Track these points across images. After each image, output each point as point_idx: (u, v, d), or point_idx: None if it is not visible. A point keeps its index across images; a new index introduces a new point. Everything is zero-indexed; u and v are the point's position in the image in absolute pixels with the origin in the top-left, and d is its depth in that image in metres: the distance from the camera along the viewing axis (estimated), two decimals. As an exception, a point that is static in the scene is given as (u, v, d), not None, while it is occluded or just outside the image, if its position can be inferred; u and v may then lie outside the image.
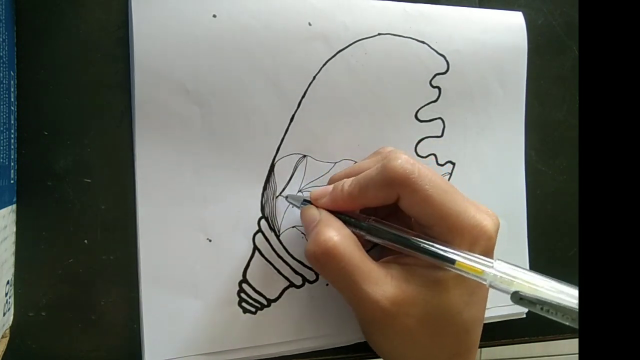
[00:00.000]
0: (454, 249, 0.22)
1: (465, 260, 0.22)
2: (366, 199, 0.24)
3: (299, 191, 0.27)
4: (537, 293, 0.20)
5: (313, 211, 0.25)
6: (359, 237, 0.24)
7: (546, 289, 0.20)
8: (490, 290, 0.30)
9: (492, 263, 0.22)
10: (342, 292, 0.24)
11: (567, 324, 0.20)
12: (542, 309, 0.20)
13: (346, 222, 0.24)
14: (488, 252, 0.23)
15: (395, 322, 0.23)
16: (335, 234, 0.23)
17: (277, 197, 0.26)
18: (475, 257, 0.22)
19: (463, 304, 0.24)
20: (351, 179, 0.24)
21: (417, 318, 0.23)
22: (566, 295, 0.20)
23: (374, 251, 0.26)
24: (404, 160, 0.22)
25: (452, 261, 0.22)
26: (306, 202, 0.25)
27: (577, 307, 0.19)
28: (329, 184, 0.27)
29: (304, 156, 0.27)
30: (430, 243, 0.23)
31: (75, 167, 0.24)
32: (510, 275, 0.21)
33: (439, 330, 0.24)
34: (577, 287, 0.20)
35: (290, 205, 0.27)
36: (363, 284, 0.22)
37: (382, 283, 0.23)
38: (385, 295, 0.22)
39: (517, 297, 0.21)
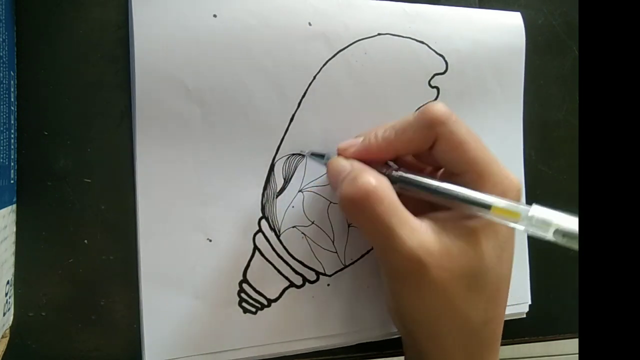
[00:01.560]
0: (488, 195, 0.22)
1: (501, 204, 0.21)
2: (403, 143, 0.23)
3: (299, 191, 0.27)
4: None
5: (342, 162, 0.24)
6: None
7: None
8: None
9: (528, 208, 0.21)
10: (376, 239, 0.23)
11: None
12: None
13: None
14: None
15: (430, 276, 0.22)
16: (374, 179, 0.22)
17: (277, 198, 0.26)
18: (510, 201, 0.22)
19: (496, 259, 0.23)
20: (383, 127, 0.24)
21: (451, 272, 0.22)
22: None
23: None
24: (442, 105, 0.23)
25: (488, 206, 0.22)
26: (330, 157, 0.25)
27: None
28: (337, 153, 0.26)
29: (304, 156, 0.27)
30: (463, 190, 0.22)
31: (75, 167, 0.24)
32: (546, 219, 0.21)
33: (474, 287, 0.23)
34: None
35: (291, 206, 0.27)
36: (400, 230, 0.21)
37: (419, 232, 0.22)
38: (422, 243, 0.22)
39: (561, 235, 0.20)
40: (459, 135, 0.23)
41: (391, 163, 0.25)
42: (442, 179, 0.24)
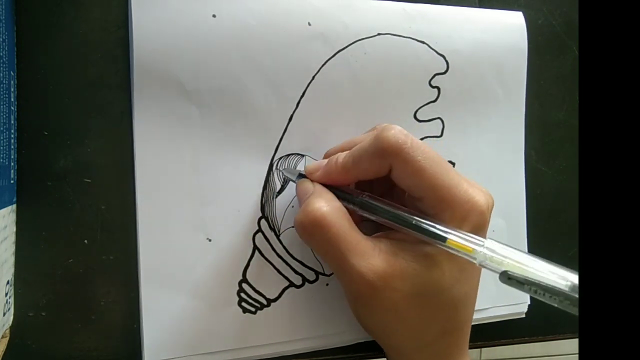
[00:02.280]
0: (445, 226, 0.22)
1: (456, 238, 0.21)
2: (359, 170, 0.24)
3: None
4: (526, 273, 0.20)
5: (307, 184, 0.25)
6: (352, 213, 0.24)
7: (537, 270, 0.20)
8: (491, 291, 0.30)
9: (483, 242, 0.21)
10: (329, 264, 0.24)
11: (556, 305, 0.19)
12: (530, 289, 0.20)
13: (339, 197, 0.24)
14: (480, 228, 0.23)
15: (381, 296, 0.22)
16: (325, 205, 0.23)
17: (276, 198, 0.26)
18: (467, 235, 0.22)
19: (453, 280, 0.23)
20: (345, 152, 0.24)
21: (404, 293, 0.22)
22: (557, 276, 0.19)
23: (366, 228, 0.26)
24: (397, 131, 0.22)
25: (443, 239, 0.21)
26: (302, 176, 0.25)
27: (566, 288, 0.19)
28: (324, 158, 0.27)
29: (303, 155, 0.27)
30: (421, 219, 0.22)
31: (75, 167, 0.24)
32: (500, 255, 0.21)
33: (427, 306, 0.23)
34: (569, 269, 0.20)
35: (291, 205, 0.27)
36: (350, 255, 0.22)
37: (369, 256, 0.22)
38: (372, 268, 0.22)
39: (506, 277, 0.20)
40: (414, 163, 0.22)
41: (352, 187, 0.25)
42: (407, 200, 0.24)
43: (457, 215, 0.22)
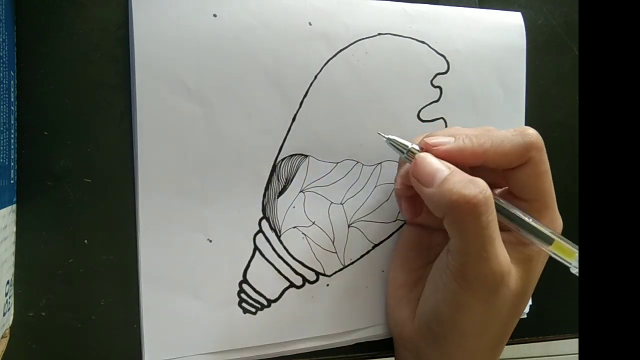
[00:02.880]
0: (551, 231, 0.23)
1: (561, 242, 0.23)
2: (496, 155, 0.23)
3: (300, 191, 0.27)
4: None
5: (436, 161, 0.23)
6: None
7: None
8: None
9: (576, 250, 0.23)
10: (473, 246, 0.22)
11: None
12: None
13: None
14: None
15: (500, 290, 0.23)
16: (487, 186, 0.22)
17: (278, 199, 0.26)
18: (568, 241, 0.23)
19: (535, 282, 0.25)
20: (474, 132, 0.24)
21: (511, 292, 0.24)
22: None
23: None
24: (537, 132, 0.24)
25: (550, 240, 0.23)
26: (413, 151, 0.24)
27: None
28: (426, 138, 0.24)
29: (306, 156, 0.27)
30: (535, 221, 0.23)
31: (75, 167, 0.24)
32: None
33: (516, 305, 0.25)
34: None
35: (292, 206, 0.27)
36: (497, 242, 0.22)
37: (503, 249, 0.23)
38: (507, 260, 0.23)
39: None
40: (546, 165, 0.24)
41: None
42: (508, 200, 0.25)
43: (554, 226, 0.24)
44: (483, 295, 0.23)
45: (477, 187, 0.22)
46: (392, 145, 0.25)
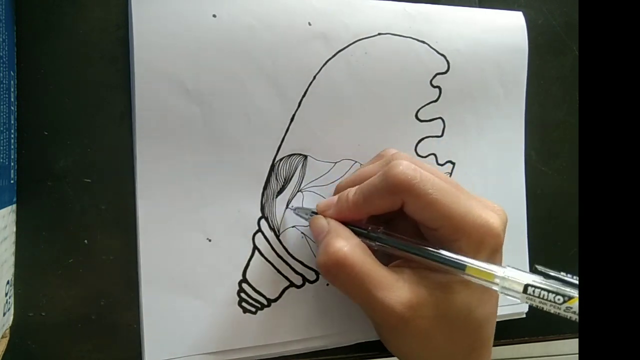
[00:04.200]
0: (463, 255, 0.22)
1: (475, 265, 0.22)
2: (371, 207, 0.24)
3: (299, 191, 0.27)
4: (547, 287, 0.21)
5: (321, 221, 0.25)
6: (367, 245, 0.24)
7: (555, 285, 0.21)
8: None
9: (501, 271, 0.22)
10: (355, 300, 0.23)
11: (569, 316, 0.20)
12: (555, 297, 0.20)
13: (355, 232, 0.24)
14: (496, 250, 0.23)
15: (410, 325, 0.23)
16: (345, 244, 0.23)
17: (276, 198, 0.27)
18: (481, 264, 0.22)
19: (476, 302, 0.24)
20: (355, 187, 0.24)
21: (430, 319, 0.23)
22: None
23: (382, 254, 0.26)
24: (405, 167, 0.22)
25: (463, 267, 0.22)
26: (314, 213, 0.26)
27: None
28: (334, 193, 0.27)
29: (305, 156, 0.27)
30: (439, 252, 0.23)
31: (75, 167, 0.24)
32: (518, 281, 0.21)
33: (453, 329, 0.24)
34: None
35: (292, 206, 0.27)
36: (376, 291, 0.22)
37: (395, 288, 0.23)
38: (399, 300, 0.22)
39: (528, 291, 0.21)
40: (426, 197, 0.22)
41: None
42: (422, 230, 0.24)
43: (474, 241, 0.23)
44: (393, 333, 0.24)
45: (329, 251, 0.23)
46: (298, 213, 0.27)
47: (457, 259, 0.22)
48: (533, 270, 0.22)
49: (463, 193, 0.24)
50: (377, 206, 0.24)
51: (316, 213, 0.25)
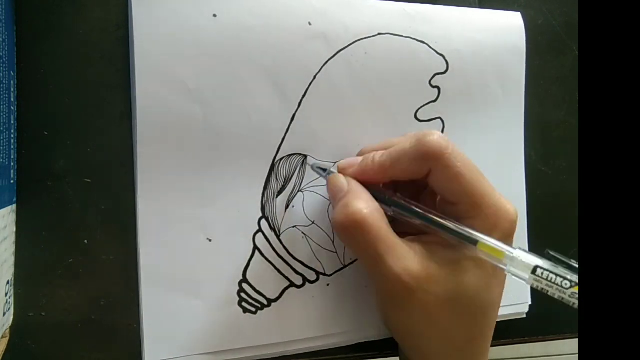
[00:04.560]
0: (477, 231, 0.23)
1: (487, 242, 0.22)
2: (397, 170, 0.24)
3: (299, 191, 0.27)
4: (555, 270, 0.21)
5: (341, 180, 0.25)
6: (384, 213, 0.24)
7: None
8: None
9: (512, 251, 0.22)
10: (365, 264, 0.24)
11: (572, 302, 0.20)
12: (562, 282, 0.21)
13: (374, 197, 0.24)
14: (509, 237, 0.24)
15: (414, 298, 0.23)
16: (365, 207, 0.23)
17: (277, 198, 0.26)
18: (496, 242, 0.22)
19: (483, 286, 0.24)
20: (382, 151, 0.24)
21: (435, 296, 0.23)
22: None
23: (397, 228, 0.25)
24: (439, 137, 0.23)
25: (475, 242, 0.22)
26: (330, 172, 0.25)
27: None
28: (358, 155, 0.27)
29: (305, 155, 0.27)
30: (455, 223, 0.23)
31: (75, 167, 0.24)
32: (528, 262, 0.21)
33: (457, 311, 0.24)
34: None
35: (292, 206, 0.27)
36: (387, 257, 0.22)
37: (405, 258, 0.23)
38: (407, 269, 0.23)
39: (533, 280, 0.21)
40: (454, 169, 0.23)
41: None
42: (439, 205, 0.25)
43: (489, 221, 0.23)
44: (395, 303, 0.24)
45: (348, 211, 0.23)
46: (316, 170, 0.27)
47: (470, 232, 0.23)
48: (545, 254, 0.22)
49: (486, 179, 0.24)
50: (403, 171, 0.24)
51: (332, 172, 0.25)
